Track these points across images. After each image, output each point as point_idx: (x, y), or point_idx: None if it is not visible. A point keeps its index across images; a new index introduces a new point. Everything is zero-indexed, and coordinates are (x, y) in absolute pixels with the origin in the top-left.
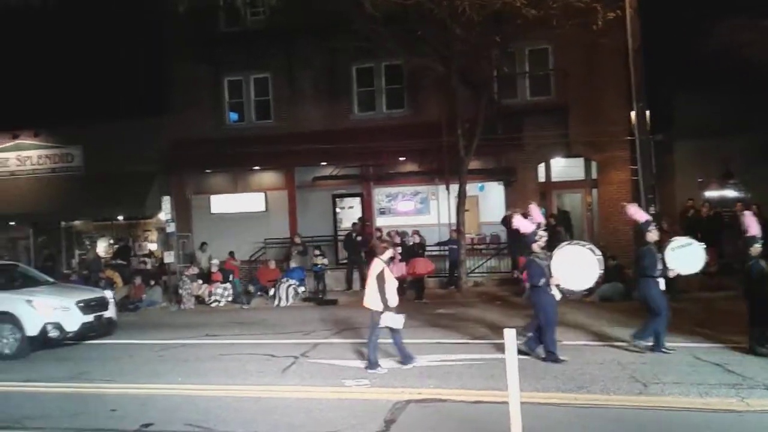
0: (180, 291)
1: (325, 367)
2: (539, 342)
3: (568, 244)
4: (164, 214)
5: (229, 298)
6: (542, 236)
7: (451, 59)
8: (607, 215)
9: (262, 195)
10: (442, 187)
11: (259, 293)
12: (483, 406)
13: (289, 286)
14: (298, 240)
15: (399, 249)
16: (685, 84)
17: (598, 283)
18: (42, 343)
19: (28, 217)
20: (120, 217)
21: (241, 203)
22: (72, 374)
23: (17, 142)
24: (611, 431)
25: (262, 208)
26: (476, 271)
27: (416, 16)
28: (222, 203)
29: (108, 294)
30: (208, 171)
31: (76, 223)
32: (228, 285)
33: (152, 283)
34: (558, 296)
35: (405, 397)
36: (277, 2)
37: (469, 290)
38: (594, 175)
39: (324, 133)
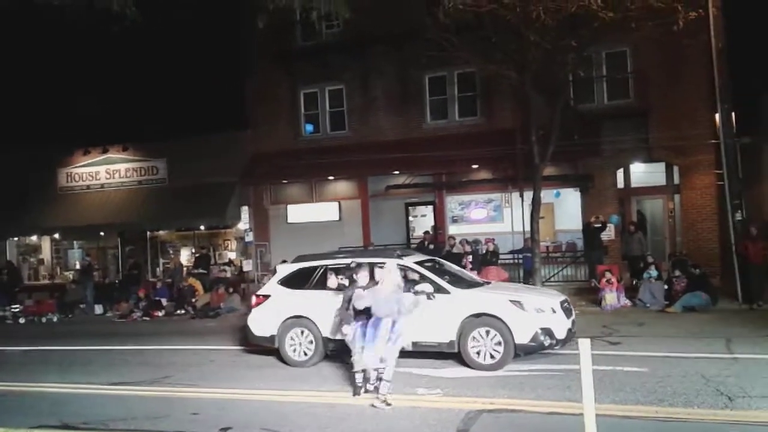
0: None
1: (398, 375)
2: None
3: None
4: (243, 224)
5: None
6: None
7: (525, 65)
8: (691, 222)
9: (336, 204)
10: (515, 195)
11: None
12: (557, 418)
13: None
14: (371, 248)
15: (470, 258)
16: None
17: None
18: (526, 352)
19: (116, 227)
20: (201, 227)
21: (316, 213)
22: (156, 378)
23: (107, 156)
24: None
25: (336, 217)
26: (552, 279)
27: (489, 24)
28: (298, 213)
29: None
30: (284, 181)
31: (161, 232)
32: None
33: (231, 290)
34: None
35: (477, 407)
36: (350, 15)
37: None
38: (676, 181)
39: (397, 142)
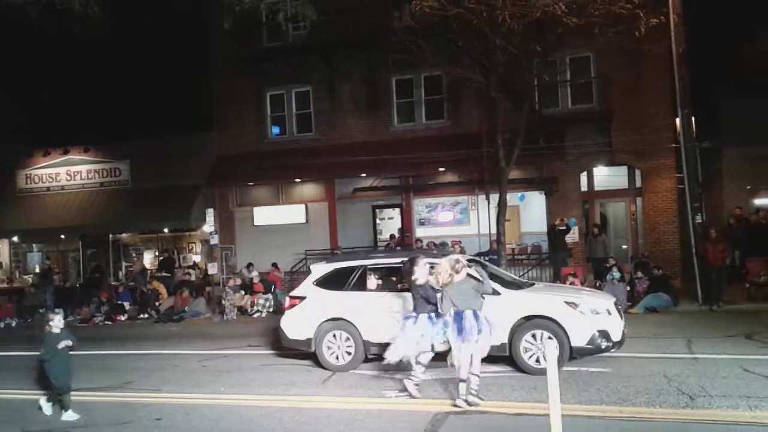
0: (223, 302)
1: (365, 378)
2: None
3: None
4: (208, 227)
5: (271, 309)
6: None
7: (491, 69)
8: (652, 224)
9: (302, 207)
10: (482, 197)
11: None
12: (524, 419)
13: None
14: (339, 251)
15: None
16: (732, 89)
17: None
18: (582, 354)
19: (77, 230)
20: (165, 230)
21: (283, 215)
22: (118, 383)
23: (67, 157)
24: None
25: (303, 219)
26: None
27: (456, 28)
28: (264, 215)
29: None
30: (250, 184)
31: (123, 235)
32: (269, 296)
33: (195, 294)
34: None
35: (445, 409)
36: (317, 17)
37: None
38: (638, 184)
39: (364, 144)
